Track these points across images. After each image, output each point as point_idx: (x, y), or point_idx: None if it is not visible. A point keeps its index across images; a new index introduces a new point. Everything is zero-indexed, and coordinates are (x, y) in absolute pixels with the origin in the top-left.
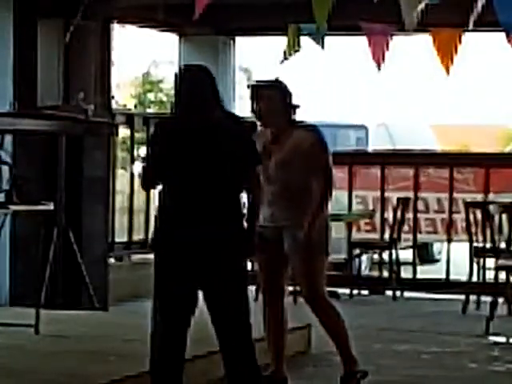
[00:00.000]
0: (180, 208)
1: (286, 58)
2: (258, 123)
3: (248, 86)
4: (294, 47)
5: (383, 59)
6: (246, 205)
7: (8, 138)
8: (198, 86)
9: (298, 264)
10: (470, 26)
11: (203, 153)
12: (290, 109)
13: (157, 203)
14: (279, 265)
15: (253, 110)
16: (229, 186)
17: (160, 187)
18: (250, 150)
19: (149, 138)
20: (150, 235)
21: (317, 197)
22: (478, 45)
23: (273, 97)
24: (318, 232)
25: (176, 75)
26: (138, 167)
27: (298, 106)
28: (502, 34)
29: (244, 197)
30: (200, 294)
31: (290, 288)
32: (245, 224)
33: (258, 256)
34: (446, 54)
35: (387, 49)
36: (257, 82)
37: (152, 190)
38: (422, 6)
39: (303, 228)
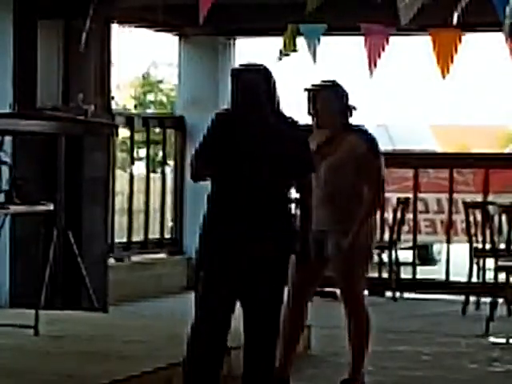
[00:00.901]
0: (229, 205)
1: (281, 57)
2: (314, 125)
3: (305, 90)
4: (290, 47)
5: (379, 58)
6: (298, 210)
7: (8, 139)
8: (252, 86)
9: (339, 270)
10: (454, 23)
11: (258, 152)
12: (346, 110)
13: (207, 199)
14: (316, 267)
15: (309, 112)
16: (280, 189)
17: (209, 183)
18: (306, 155)
19: (206, 130)
20: (199, 230)
21: (367, 204)
22: (477, 45)
23: (329, 98)
24: (363, 239)
25: (231, 74)
26: (141, 168)
27: (354, 108)
28: (501, 35)
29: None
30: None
31: None
32: (295, 228)
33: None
34: (445, 55)
35: (383, 50)
36: (313, 84)
37: (153, 190)
38: (418, 3)
39: (348, 234)
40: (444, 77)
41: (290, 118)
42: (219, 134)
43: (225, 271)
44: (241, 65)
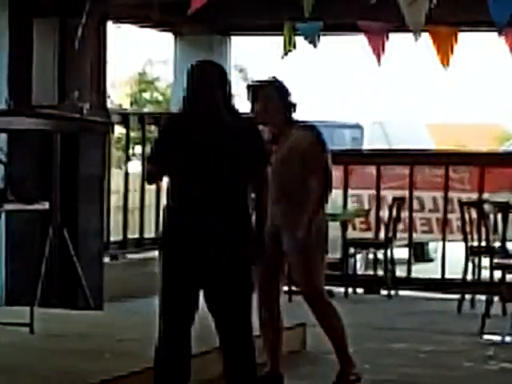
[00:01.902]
0: (186, 204)
1: (285, 54)
2: (257, 123)
3: (246, 87)
4: (289, 45)
5: (383, 52)
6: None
7: (3, 137)
8: (206, 83)
9: (296, 263)
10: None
11: (209, 150)
12: (288, 107)
13: (165, 200)
14: (276, 263)
15: (252, 110)
16: (235, 185)
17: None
18: (259, 149)
19: (156, 134)
20: (159, 232)
21: (315, 196)
22: (474, 44)
23: (270, 96)
24: (316, 231)
25: (187, 71)
26: (136, 165)
27: (296, 105)
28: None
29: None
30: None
31: (285, 287)
32: (253, 223)
33: None
34: (444, 47)
35: (383, 49)
36: (254, 81)
37: (148, 188)
38: (426, 8)
39: (301, 227)
40: (444, 67)
41: (244, 113)
42: (169, 139)
43: (183, 264)
44: (196, 61)
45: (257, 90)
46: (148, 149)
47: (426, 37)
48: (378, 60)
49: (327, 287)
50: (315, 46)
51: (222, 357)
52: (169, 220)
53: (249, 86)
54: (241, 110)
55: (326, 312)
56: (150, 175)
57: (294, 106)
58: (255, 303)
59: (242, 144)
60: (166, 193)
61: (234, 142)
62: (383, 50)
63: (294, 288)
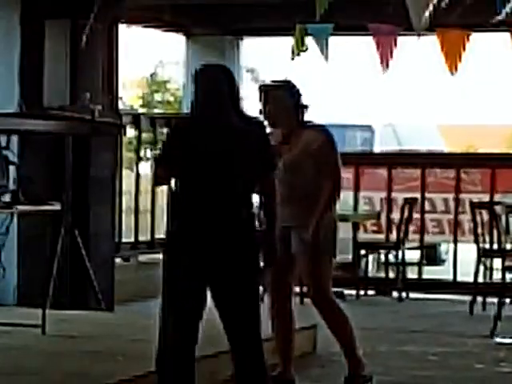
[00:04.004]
0: (192, 207)
1: (293, 57)
2: (267, 124)
3: (258, 89)
4: (300, 47)
5: (391, 57)
6: (262, 209)
7: (15, 139)
8: (215, 86)
9: (304, 265)
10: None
11: (217, 153)
12: (299, 109)
13: (170, 203)
14: (287, 265)
15: (262, 112)
16: (242, 187)
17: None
18: (267, 154)
19: (165, 138)
20: (165, 233)
21: (324, 197)
22: (485, 45)
23: (281, 97)
24: (325, 233)
25: (193, 75)
26: (147, 167)
27: (307, 106)
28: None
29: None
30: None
31: (297, 289)
32: (257, 225)
33: None
34: (453, 53)
35: (395, 48)
36: (265, 83)
37: (159, 189)
38: (430, 8)
39: (308, 229)
40: (452, 73)
41: (253, 117)
42: (178, 142)
43: (190, 268)
44: (203, 65)
45: (268, 92)
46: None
47: (435, 40)
48: (386, 64)
49: (339, 289)
50: (326, 58)
51: (231, 357)
52: (176, 221)
53: (260, 88)
54: (249, 113)
55: (333, 314)
56: (158, 178)
57: (305, 107)
58: (267, 304)
59: (249, 147)
60: (172, 195)
61: (241, 145)
62: (391, 55)
63: (305, 289)
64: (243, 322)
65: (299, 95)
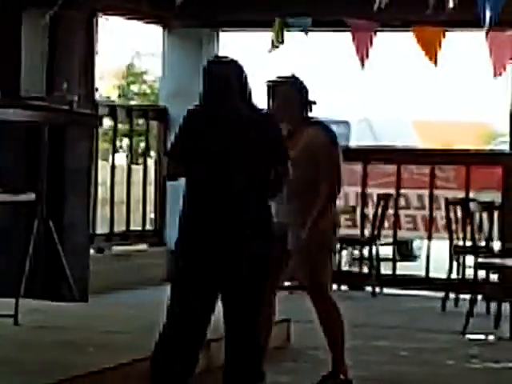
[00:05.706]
0: (206, 202)
1: (271, 50)
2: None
3: (265, 84)
4: (278, 40)
5: (367, 56)
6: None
7: None
8: (223, 79)
9: (300, 262)
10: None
11: (231, 145)
12: (305, 105)
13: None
14: (280, 259)
15: (269, 107)
16: (255, 181)
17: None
18: (281, 145)
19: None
20: (178, 227)
21: (323, 195)
22: (460, 42)
23: (288, 93)
24: (323, 230)
25: (203, 67)
26: (122, 158)
27: (314, 103)
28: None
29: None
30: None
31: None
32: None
33: None
34: (431, 50)
35: (371, 45)
36: (272, 79)
37: (132, 182)
38: None
39: (305, 227)
40: (435, 65)
41: (263, 109)
42: (191, 132)
43: (205, 265)
44: (213, 57)
45: (275, 88)
46: (135, 142)
47: (412, 36)
48: (363, 60)
49: None
50: (306, 33)
51: (225, 348)
52: (190, 217)
53: (267, 84)
54: (259, 105)
55: (328, 311)
56: (172, 173)
57: (312, 103)
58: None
59: (261, 136)
60: (183, 198)
61: (253, 135)
62: (367, 53)
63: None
64: (244, 317)
65: (306, 91)
